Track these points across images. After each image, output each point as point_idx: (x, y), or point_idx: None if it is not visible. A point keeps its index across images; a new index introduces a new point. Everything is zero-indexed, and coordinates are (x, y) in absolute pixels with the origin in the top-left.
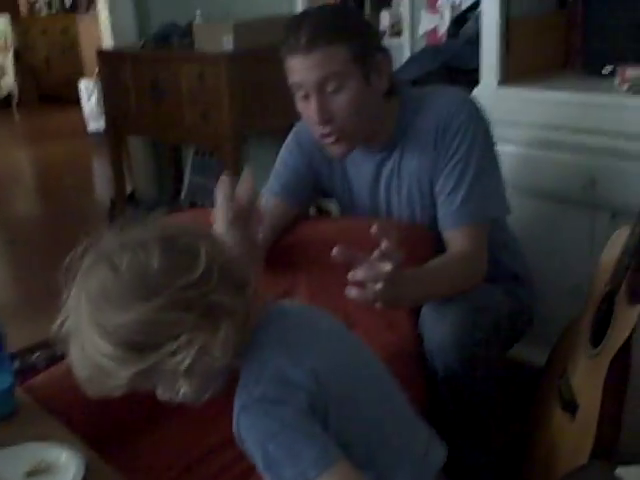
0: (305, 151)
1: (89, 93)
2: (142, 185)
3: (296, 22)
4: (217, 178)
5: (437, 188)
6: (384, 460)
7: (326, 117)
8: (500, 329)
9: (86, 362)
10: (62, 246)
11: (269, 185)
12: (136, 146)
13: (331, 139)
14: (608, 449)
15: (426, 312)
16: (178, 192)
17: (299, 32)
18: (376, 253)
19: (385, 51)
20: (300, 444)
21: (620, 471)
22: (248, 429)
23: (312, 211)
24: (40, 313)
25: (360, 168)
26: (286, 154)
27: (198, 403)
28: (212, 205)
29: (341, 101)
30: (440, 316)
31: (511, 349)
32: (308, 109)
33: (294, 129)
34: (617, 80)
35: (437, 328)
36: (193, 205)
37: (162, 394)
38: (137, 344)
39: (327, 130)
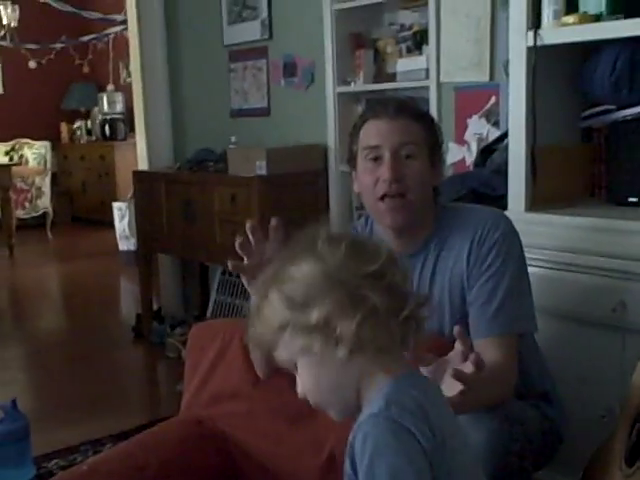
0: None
1: (122, 214)
2: (169, 302)
3: (383, 99)
4: (243, 298)
5: (470, 298)
6: None
7: (398, 176)
8: (533, 443)
9: (260, 309)
10: (84, 360)
11: None
12: (165, 264)
13: (394, 204)
14: None
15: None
16: (204, 310)
17: (387, 103)
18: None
19: (442, 154)
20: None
21: None
22: (367, 435)
23: None
24: (59, 421)
25: None
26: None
27: (328, 408)
28: None
29: (412, 168)
30: (475, 424)
31: (541, 471)
32: (375, 172)
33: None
34: None
35: (472, 435)
36: None
37: (299, 374)
38: (293, 296)
39: (394, 189)
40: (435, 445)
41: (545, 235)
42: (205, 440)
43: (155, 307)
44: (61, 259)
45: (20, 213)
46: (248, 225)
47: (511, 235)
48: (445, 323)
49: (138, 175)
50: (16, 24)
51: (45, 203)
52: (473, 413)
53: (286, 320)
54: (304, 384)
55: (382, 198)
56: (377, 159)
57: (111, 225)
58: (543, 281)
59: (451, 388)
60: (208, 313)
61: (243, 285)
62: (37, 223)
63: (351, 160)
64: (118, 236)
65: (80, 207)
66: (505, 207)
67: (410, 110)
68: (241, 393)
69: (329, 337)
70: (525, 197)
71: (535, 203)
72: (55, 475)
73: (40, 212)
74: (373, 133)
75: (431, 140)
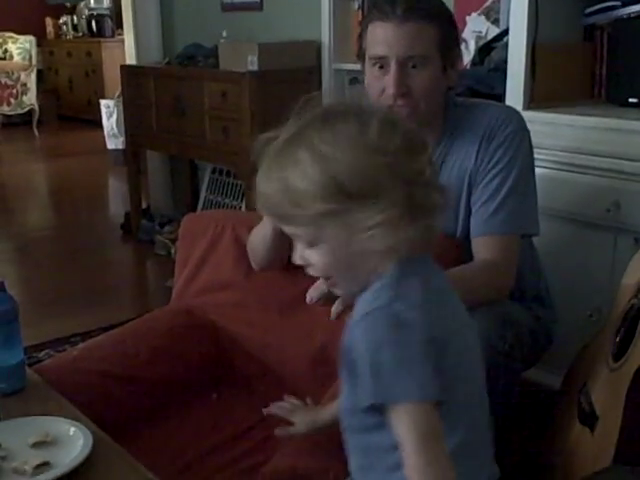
0: None
1: (109, 112)
2: (158, 200)
3: None
4: (233, 197)
5: (474, 196)
6: (466, 436)
7: (403, 90)
8: (523, 344)
9: (281, 181)
10: (73, 254)
11: None
12: (154, 161)
13: (401, 112)
14: (629, 461)
15: None
16: (194, 208)
17: (396, 1)
18: None
19: (460, 49)
20: (415, 364)
21: None
22: (366, 332)
23: None
24: (49, 314)
25: None
26: None
27: (338, 286)
28: None
29: (419, 79)
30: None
31: (528, 370)
32: (381, 81)
33: None
34: None
35: None
36: None
37: (317, 252)
38: (344, 184)
39: (400, 103)
40: (438, 345)
41: (542, 134)
42: (195, 329)
43: (144, 205)
44: (48, 157)
45: (5, 109)
46: None
47: (522, 133)
48: (451, 223)
49: (126, 69)
50: None
51: (31, 100)
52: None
53: (332, 209)
54: (320, 258)
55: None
56: (383, 67)
57: (99, 124)
58: (538, 180)
59: None
60: (198, 211)
61: (233, 184)
62: (23, 120)
63: (360, 56)
64: (106, 134)
65: (67, 105)
66: None
67: (422, 9)
68: (232, 284)
69: (377, 236)
70: (524, 95)
71: (533, 102)
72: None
73: (26, 109)
74: (380, 39)
75: (445, 42)
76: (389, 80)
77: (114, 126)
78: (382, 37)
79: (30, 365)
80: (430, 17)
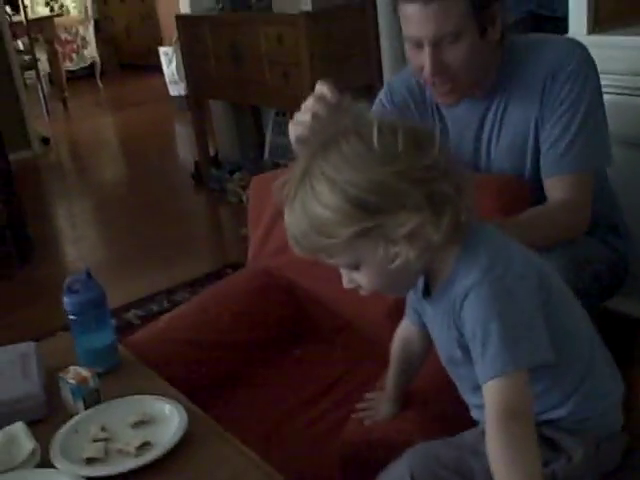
0: (397, 105)
1: (169, 59)
2: (225, 147)
3: None
4: None
5: (542, 137)
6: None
7: (439, 69)
8: (600, 281)
9: (304, 216)
10: (148, 210)
11: None
12: (217, 109)
13: (443, 89)
14: None
15: None
16: (261, 153)
17: None
18: None
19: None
20: (522, 332)
21: None
22: (475, 305)
23: None
24: (132, 272)
25: (460, 117)
26: (377, 108)
27: (392, 290)
28: None
29: (456, 54)
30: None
31: (609, 300)
32: (419, 58)
33: (385, 88)
34: None
35: None
36: (276, 165)
37: (363, 272)
38: (365, 202)
39: (439, 80)
40: (541, 292)
41: (610, 58)
42: (273, 289)
43: (212, 153)
44: (114, 108)
45: (69, 65)
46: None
47: (586, 66)
48: (518, 164)
49: (181, 20)
50: None
51: (92, 52)
52: (541, 251)
53: (359, 229)
54: (368, 279)
55: (431, 84)
56: (419, 45)
57: (159, 70)
58: (608, 107)
59: None
60: (265, 155)
61: None
62: (86, 74)
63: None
64: (167, 81)
65: (126, 53)
66: (566, 29)
67: None
68: None
69: (414, 242)
70: (587, 18)
71: (598, 24)
72: (134, 325)
73: (88, 62)
74: (409, 20)
75: (477, 7)
76: (425, 59)
77: (175, 73)
78: (411, 18)
79: (119, 328)
80: None
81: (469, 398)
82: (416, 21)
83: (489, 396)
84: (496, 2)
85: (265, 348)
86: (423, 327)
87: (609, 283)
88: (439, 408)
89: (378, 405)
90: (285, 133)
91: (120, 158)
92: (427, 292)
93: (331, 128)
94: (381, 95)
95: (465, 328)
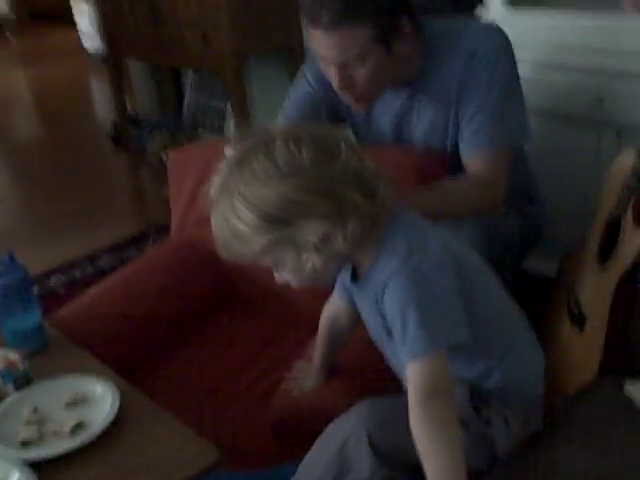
0: (321, 80)
1: (82, 11)
2: (144, 105)
3: None
4: (219, 98)
5: (460, 114)
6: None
7: (347, 85)
8: (512, 247)
9: (226, 228)
10: (68, 170)
11: (284, 109)
12: (135, 67)
13: (352, 100)
14: (615, 362)
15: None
16: (180, 112)
17: (322, 6)
18: None
19: (410, 12)
20: (438, 315)
21: (628, 386)
22: (394, 293)
23: None
24: (52, 237)
25: (384, 101)
26: (301, 82)
27: (316, 284)
28: (213, 125)
29: (363, 73)
30: (456, 231)
31: (523, 261)
32: (328, 72)
33: (310, 68)
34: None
35: None
36: (196, 124)
37: (285, 272)
38: (274, 217)
39: (348, 95)
40: (458, 278)
41: (524, 34)
42: (198, 261)
43: (130, 111)
44: (27, 63)
45: None
46: None
47: (503, 50)
48: (441, 142)
49: None
50: None
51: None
52: (454, 221)
53: (272, 239)
54: (291, 277)
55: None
56: (327, 62)
57: (73, 22)
58: (525, 81)
59: None
60: (184, 113)
61: (217, 85)
62: None
63: None
64: (82, 35)
65: (37, 4)
66: (481, 1)
67: (347, 13)
68: None
69: (323, 248)
70: None
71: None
72: (58, 293)
73: None
74: (315, 40)
75: (381, 31)
76: (333, 77)
77: (89, 26)
78: (317, 41)
79: (42, 297)
80: (357, 18)
81: (400, 372)
82: (321, 45)
83: (411, 377)
84: (403, 16)
85: (193, 319)
86: (351, 304)
87: (520, 251)
88: (364, 379)
89: (306, 376)
90: (204, 92)
91: (35, 117)
92: (355, 277)
93: (245, 145)
94: (307, 73)
95: (387, 314)
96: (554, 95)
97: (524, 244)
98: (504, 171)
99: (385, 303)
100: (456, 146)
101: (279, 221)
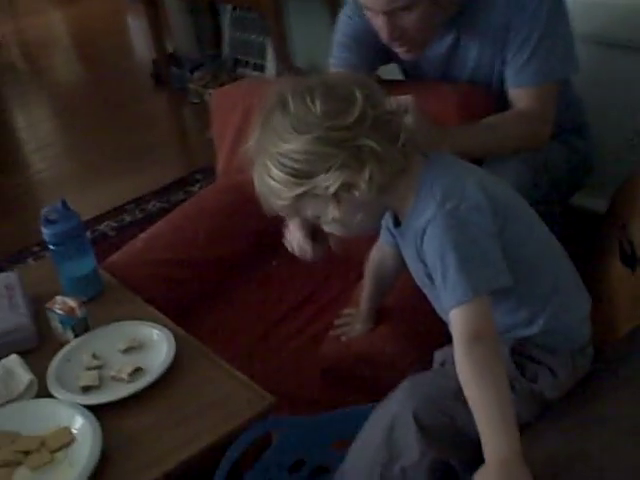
0: (363, 15)
1: None
2: (182, 43)
3: None
4: (258, 33)
5: (507, 48)
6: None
7: (395, 35)
8: (560, 185)
9: (262, 182)
10: (111, 111)
11: (333, 55)
12: (172, 3)
13: (402, 49)
14: None
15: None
16: (219, 49)
17: None
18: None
19: None
20: (478, 260)
21: None
22: (432, 239)
23: None
24: (99, 181)
25: (431, 46)
26: (343, 22)
27: (353, 234)
28: (253, 62)
29: (409, 21)
30: (501, 167)
31: (572, 197)
32: (375, 22)
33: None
34: None
35: None
36: (236, 62)
37: (324, 224)
38: (297, 170)
39: (397, 45)
40: (497, 219)
41: None
42: (245, 204)
43: (169, 50)
44: (63, 2)
45: None
46: None
47: None
48: (487, 75)
49: None
50: None
51: None
52: (495, 167)
53: (300, 192)
54: (329, 228)
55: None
56: (373, 11)
57: None
58: (575, 7)
59: None
60: (224, 52)
61: (255, 20)
62: None
63: None
64: None
65: None
66: None
67: None
68: None
69: (347, 195)
70: None
71: None
72: (110, 236)
73: None
74: None
75: None
76: (381, 27)
77: None
78: None
79: (94, 241)
80: None
81: (445, 316)
82: None
83: (454, 323)
84: None
85: (243, 262)
86: (396, 247)
87: (570, 186)
88: (411, 324)
89: (354, 321)
90: (243, 28)
91: (75, 58)
92: (397, 222)
93: (267, 104)
94: (347, 7)
95: (427, 261)
96: (606, 19)
97: (572, 179)
98: (551, 106)
99: (425, 249)
100: (502, 82)
101: (302, 174)
